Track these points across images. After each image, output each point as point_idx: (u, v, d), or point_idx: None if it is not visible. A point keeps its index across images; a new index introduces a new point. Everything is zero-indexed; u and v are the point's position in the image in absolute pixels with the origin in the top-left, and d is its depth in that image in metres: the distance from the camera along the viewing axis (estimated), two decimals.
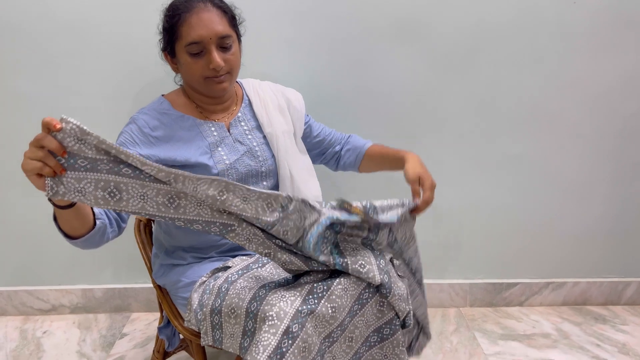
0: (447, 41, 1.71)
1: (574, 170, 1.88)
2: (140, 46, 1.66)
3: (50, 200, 0.95)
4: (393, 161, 1.39)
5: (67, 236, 1.07)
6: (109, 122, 1.73)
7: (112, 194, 0.92)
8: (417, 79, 1.75)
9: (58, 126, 0.87)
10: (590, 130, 1.84)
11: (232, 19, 1.23)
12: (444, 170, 1.86)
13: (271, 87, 1.42)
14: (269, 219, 1.01)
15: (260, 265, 1.20)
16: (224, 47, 1.19)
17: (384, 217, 1.10)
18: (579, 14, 1.69)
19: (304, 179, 1.38)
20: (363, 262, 1.10)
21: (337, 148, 1.53)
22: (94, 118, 1.73)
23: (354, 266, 1.09)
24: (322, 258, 1.09)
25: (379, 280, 1.09)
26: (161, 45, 1.26)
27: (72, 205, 0.97)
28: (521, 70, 1.75)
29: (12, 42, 1.65)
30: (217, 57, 1.17)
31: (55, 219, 1.05)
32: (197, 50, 1.17)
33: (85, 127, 0.88)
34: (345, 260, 1.10)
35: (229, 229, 1.03)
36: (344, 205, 1.09)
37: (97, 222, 1.08)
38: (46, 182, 0.89)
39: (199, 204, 0.99)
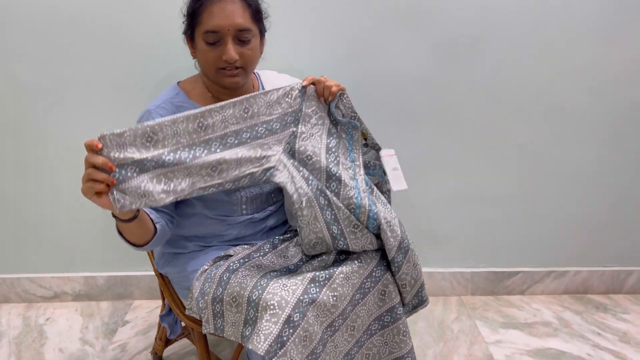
0: (451, 28, 1.69)
1: (577, 159, 1.87)
2: (145, 36, 1.64)
3: (114, 216, 1.01)
4: None
5: (133, 244, 1.12)
6: (112, 111, 1.74)
7: (167, 184, 1.00)
8: (421, 67, 1.73)
9: (99, 146, 0.90)
10: (594, 119, 1.82)
11: (255, 13, 1.18)
12: (447, 158, 1.85)
13: (289, 80, 1.37)
14: (293, 104, 1.17)
15: (262, 254, 1.20)
16: (241, 40, 1.15)
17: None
18: (585, 2, 1.67)
19: None
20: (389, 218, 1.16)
21: None
22: (97, 108, 1.73)
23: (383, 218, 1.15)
24: (360, 199, 1.14)
25: (400, 235, 1.16)
26: (184, 28, 1.23)
27: (134, 217, 1.03)
28: (526, 58, 1.73)
29: (13, 31, 1.64)
30: (231, 49, 1.13)
31: (119, 232, 1.10)
32: (214, 40, 1.13)
33: (117, 130, 0.93)
34: (377, 210, 1.15)
35: (272, 171, 1.13)
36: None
37: (157, 226, 1.14)
38: (110, 198, 0.93)
39: (238, 163, 1.08)
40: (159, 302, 1.96)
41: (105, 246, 1.92)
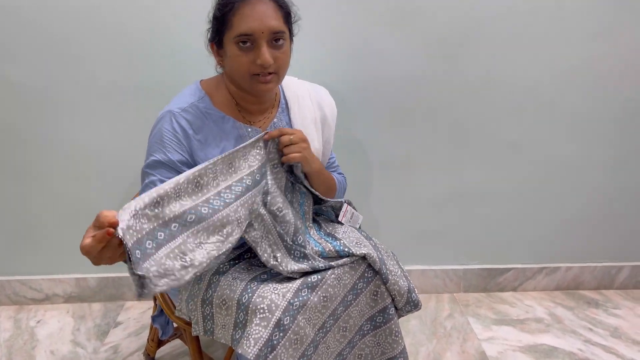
0: (443, 27, 1.69)
1: (568, 155, 1.88)
2: (141, 35, 1.63)
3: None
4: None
5: None
6: (106, 113, 1.72)
7: (183, 259, 0.92)
8: (413, 66, 1.73)
9: (111, 231, 0.80)
10: (585, 116, 1.83)
11: (287, 15, 1.14)
12: (438, 156, 1.85)
13: (310, 94, 1.33)
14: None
15: (252, 255, 1.19)
16: (275, 44, 1.10)
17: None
18: (575, 0, 1.68)
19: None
20: (359, 243, 1.17)
21: None
22: (91, 110, 1.71)
23: (351, 246, 1.15)
24: (316, 248, 1.11)
25: (377, 260, 1.14)
26: (209, 35, 1.17)
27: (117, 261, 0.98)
28: (517, 56, 1.73)
29: (6, 29, 1.62)
30: (266, 52, 1.08)
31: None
32: (247, 44, 1.08)
33: (132, 207, 0.86)
34: (341, 240, 1.15)
35: (249, 228, 1.08)
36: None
37: None
38: (135, 284, 0.85)
39: (244, 219, 1.05)
40: (151, 303, 1.95)
41: None
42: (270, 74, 1.11)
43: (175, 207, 0.93)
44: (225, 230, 1.00)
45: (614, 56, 1.75)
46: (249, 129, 1.20)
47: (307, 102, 1.30)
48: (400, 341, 1.18)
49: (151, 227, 0.89)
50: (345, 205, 1.29)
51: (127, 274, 1.95)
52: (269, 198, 1.12)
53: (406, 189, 1.88)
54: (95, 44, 1.64)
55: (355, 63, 1.72)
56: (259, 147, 1.12)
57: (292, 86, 1.31)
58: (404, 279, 1.19)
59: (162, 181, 1.07)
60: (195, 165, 1.09)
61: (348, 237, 1.20)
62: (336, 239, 1.19)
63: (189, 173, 0.98)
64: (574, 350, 1.70)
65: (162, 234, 0.90)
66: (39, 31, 1.62)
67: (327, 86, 1.65)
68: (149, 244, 0.88)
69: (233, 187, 1.05)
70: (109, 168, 1.79)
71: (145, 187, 1.10)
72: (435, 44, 1.71)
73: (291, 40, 1.19)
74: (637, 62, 1.76)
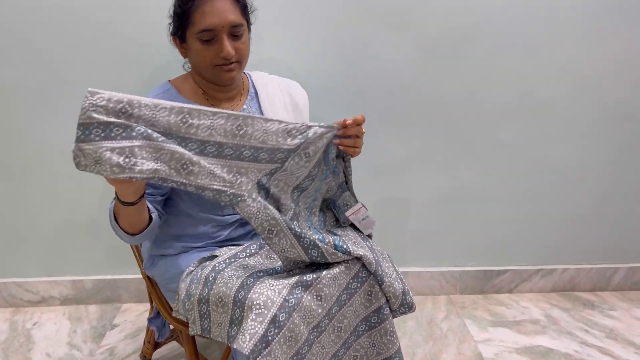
0: (436, 29, 1.70)
1: (563, 157, 1.89)
2: (130, 36, 1.64)
3: (117, 199, 1.05)
4: None
5: (126, 232, 1.13)
6: None
7: (127, 159, 0.94)
8: (407, 68, 1.74)
9: None
10: (579, 117, 1.84)
11: (243, 8, 1.22)
12: (433, 158, 1.86)
13: (279, 84, 1.39)
14: (291, 143, 1.10)
15: (248, 254, 1.19)
16: (234, 36, 1.18)
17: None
18: (568, 1, 1.69)
19: None
20: (356, 243, 1.16)
21: None
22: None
23: (350, 244, 1.15)
24: (316, 235, 1.11)
25: (373, 262, 1.14)
26: (171, 29, 1.25)
27: (136, 202, 1.05)
28: (511, 57, 1.75)
29: None
30: (228, 45, 1.16)
31: (115, 220, 1.12)
32: (209, 38, 1.16)
33: (100, 91, 0.92)
34: (341, 237, 1.15)
35: (239, 199, 1.07)
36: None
37: (153, 215, 1.16)
38: (72, 153, 0.92)
39: (210, 173, 1.02)
40: (148, 305, 1.95)
41: (93, 249, 1.91)
42: (232, 63, 1.19)
43: (143, 122, 0.96)
44: (189, 168, 1.00)
45: (604, 57, 1.77)
46: None
47: (276, 89, 1.38)
48: (395, 341, 1.18)
49: (107, 120, 0.92)
50: (359, 204, 1.28)
51: (124, 276, 1.96)
52: (271, 179, 1.13)
53: (402, 190, 1.89)
54: (89, 45, 1.65)
55: (349, 66, 1.73)
56: (291, 137, 1.11)
57: (261, 78, 1.39)
58: (399, 281, 1.20)
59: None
60: None
61: (347, 235, 1.21)
62: (336, 234, 1.20)
63: (175, 104, 1.00)
64: (569, 351, 1.71)
65: (117, 130, 0.93)
66: (30, 33, 1.63)
67: (320, 87, 1.67)
68: (96, 131, 0.92)
69: (226, 147, 1.06)
70: None
71: None
72: (430, 47, 1.72)
73: (249, 29, 1.26)
74: (630, 63, 1.78)
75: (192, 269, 1.20)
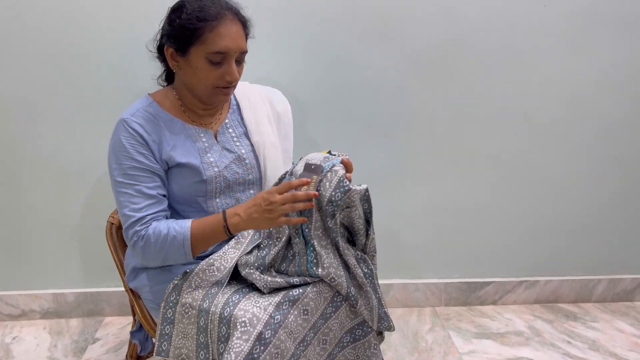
0: (422, 40, 1.72)
1: (547, 169, 1.91)
2: (115, 48, 1.64)
3: (229, 232, 1.13)
4: None
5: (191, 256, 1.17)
6: (84, 124, 1.72)
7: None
8: (392, 79, 1.76)
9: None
10: (563, 130, 1.87)
11: (247, 35, 1.23)
12: (418, 169, 1.87)
13: (260, 94, 1.40)
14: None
15: (232, 277, 1.19)
16: (237, 61, 1.19)
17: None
18: (552, 14, 1.72)
19: None
20: (335, 272, 1.13)
21: None
22: (69, 122, 1.71)
23: (325, 274, 1.12)
24: (293, 269, 1.11)
25: (345, 292, 1.12)
26: (164, 39, 1.19)
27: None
28: (495, 69, 1.77)
29: None
30: (235, 70, 1.18)
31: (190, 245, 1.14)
32: (219, 60, 1.15)
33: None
34: (319, 269, 1.12)
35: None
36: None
37: None
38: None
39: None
40: (130, 319, 1.93)
41: (75, 262, 1.88)
42: (230, 87, 1.21)
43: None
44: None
45: (590, 70, 1.80)
46: (199, 130, 1.26)
47: (258, 99, 1.38)
48: (378, 354, 1.18)
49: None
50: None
51: (106, 289, 1.93)
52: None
53: (386, 202, 1.90)
54: (80, 55, 1.65)
55: (335, 76, 1.74)
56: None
57: (242, 88, 1.40)
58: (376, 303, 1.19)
59: (148, 188, 1.15)
60: (161, 165, 1.19)
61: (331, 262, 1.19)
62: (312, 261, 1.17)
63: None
64: None
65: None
66: (21, 41, 1.62)
67: (304, 98, 1.67)
68: None
69: None
70: (90, 182, 1.78)
71: (129, 197, 1.14)
72: (415, 58, 1.74)
73: None
74: (613, 75, 1.81)
75: (176, 282, 1.19)
